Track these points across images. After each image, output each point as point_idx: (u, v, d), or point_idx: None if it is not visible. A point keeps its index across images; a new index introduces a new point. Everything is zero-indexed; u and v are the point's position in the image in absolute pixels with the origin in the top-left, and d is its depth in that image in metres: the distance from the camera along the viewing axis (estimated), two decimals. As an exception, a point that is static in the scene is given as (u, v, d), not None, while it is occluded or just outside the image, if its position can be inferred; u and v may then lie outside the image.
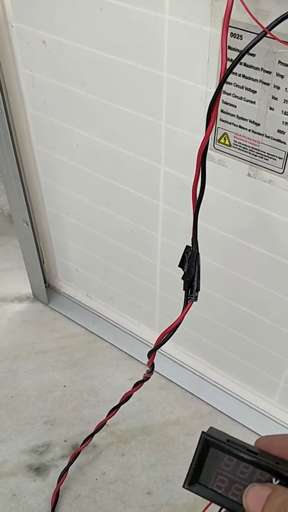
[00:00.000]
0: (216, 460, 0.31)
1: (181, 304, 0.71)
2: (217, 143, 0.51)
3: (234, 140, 0.50)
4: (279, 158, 0.48)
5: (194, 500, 0.65)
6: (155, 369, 0.57)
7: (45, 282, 0.89)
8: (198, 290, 0.49)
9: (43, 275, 0.87)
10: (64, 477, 0.64)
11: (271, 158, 0.48)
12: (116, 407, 0.63)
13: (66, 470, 0.64)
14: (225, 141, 0.51)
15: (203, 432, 0.31)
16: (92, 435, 0.64)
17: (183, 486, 0.31)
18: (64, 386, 0.77)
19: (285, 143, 0.47)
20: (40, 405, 0.74)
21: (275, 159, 0.48)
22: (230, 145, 0.50)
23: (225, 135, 0.50)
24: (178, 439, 0.72)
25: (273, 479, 0.29)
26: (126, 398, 0.62)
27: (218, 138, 0.51)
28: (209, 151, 0.52)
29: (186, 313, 0.48)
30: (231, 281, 0.61)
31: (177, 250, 0.64)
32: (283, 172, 0.49)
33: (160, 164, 0.57)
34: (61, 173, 0.69)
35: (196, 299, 0.48)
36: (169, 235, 0.64)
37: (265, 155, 0.49)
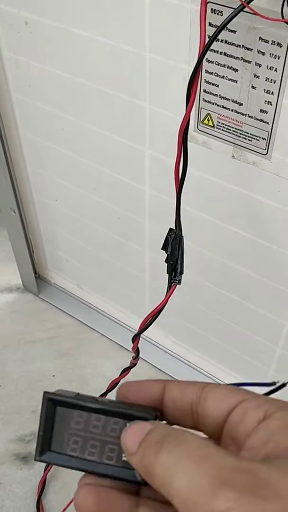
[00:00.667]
0: (66, 420, 0.27)
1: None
2: (201, 125, 0.50)
3: (217, 121, 0.49)
4: (262, 138, 0.47)
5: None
6: (146, 359, 0.56)
7: (35, 272, 0.88)
8: (181, 273, 0.48)
9: (33, 265, 0.86)
10: (51, 465, 0.64)
11: (254, 139, 0.48)
12: (103, 395, 0.62)
13: (53, 458, 0.64)
14: (208, 122, 0.50)
15: (45, 392, 0.27)
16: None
17: (35, 459, 0.27)
18: (53, 376, 0.77)
19: (267, 123, 0.46)
20: (28, 394, 0.73)
21: (258, 140, 0.48)
22: (213, 126, 0.50)
23: (208, 116, 0.50)
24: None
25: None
26: (113, 385, 0.61)
27: (201, 119, 0.50)
28: (193, 133, 0.51)
29: (169, 296, 0.48)
30: (216, 267, 0.61)
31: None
32: (266, 154, 0.48)
33: (144, 148, 0.56)
34: (47, 159, 0.68)
35: (179, 282, 0.48)
36: (157, 221, 0.63)
37: (248, 136, 0.48)
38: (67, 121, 0.61)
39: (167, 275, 0.48)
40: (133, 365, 0.58)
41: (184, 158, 0.44)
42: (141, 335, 0.52)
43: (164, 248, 0.47)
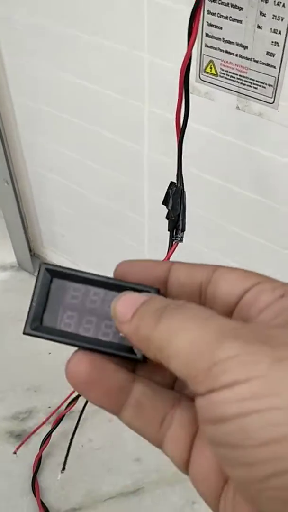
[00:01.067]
0: (62, 292, 0.25)
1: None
2: (203, 73, 0.47)
3: (221, 69, 0.46)
4: (269, 85, 0.44)
5: (185, 467, 0.62)
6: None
7: (30, 250, 0.85)
8: (183, 230, 0.45)
9: (28, 242, 0.83)
10: (46, 443, 0.61)
11: (260, 86, 0.45)
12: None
13: (48, 435, 0.61)
14: (211, 70, 0.47)
15: (42, 262, 0.25)
16: (77, 398, 0.61)
17: (23, 332, 0.25)
18: (50, 353, 0.74)
19: (274, 67, 0.43)
20: (24, 372, 0.70)
21: (264, 87, 0.45)
22: (216, 75, 0.47)
23: (211, 63, 0.47)
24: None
25: None
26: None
27: (203, 67, 0.47)
28: (194, 84, 0.48)
29: (171, 255, 0.45)
30: (218, 232, 0.58)
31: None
32: (273, 102, 0.45)
33: (144, 104, 0.53)
34: (41, 124, 0.65)
35: (181, 240, 0.45)
36: (156, 186, 0.60)
37: (254, 83, 0.45)
38: (62, 79, 0.58)
39: (168, 232, 0.45)
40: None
41: (186, 102, 0.41)
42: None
43: (165, 202, 0.45)
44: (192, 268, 0.24)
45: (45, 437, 0.61)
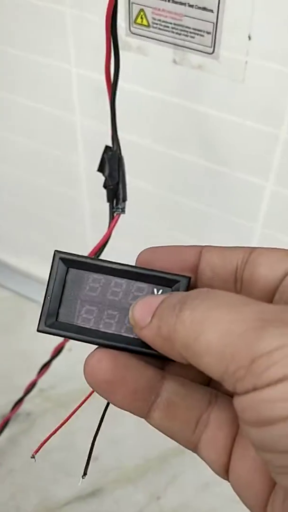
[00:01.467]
0: (79, 284, 0.22)
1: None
2: (134, 25, 0.42)
3: (152, 18, 0.41)
4: (207, 33, 0.40)
5: (145, 462, 0.57)
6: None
7: None
8: (124, 200, 0.40)
9: None
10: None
11: (198, 34, 0.40)
12: (47, 363, 0.54)
13: (-6, 443, 0.55)
14: (142, 21, 0.42)
15: (56, 250, 0.23)
16: (21, 399, 0.55)
17: (38, 330, 0.23)
18: (-8, 353, 0.68)
19: (212, 11, 0.39)
20: None
21: (202, 35, 0.40)
22: (148, 25, 0.42)
23: (141, 13, 0.42)
24: (123, 396, 0.64)
25: (156, 291, 0.22)
26: (58, 351, 0.53)
27: (133, 18, 0.42)
28: (125, 38, 0.43)
29: (113, 228, 0.40)
30: (163, 204, 0.53)
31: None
32: (213, 52, 0.41)
33: (70, 65, 0.48)
34: None
35: (123, 211, 0.40)
36: (94, 157, 0.55)
37: (190, 32, 0.41)
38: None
39: (108, 203, 0.40)
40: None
41: (116, 56, 0.36)
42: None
43: (101, 169, 0.40)
44: (226, 251, 0.22)
45: (-10, 444, 0.55)
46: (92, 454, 0.59)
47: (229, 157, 0.47)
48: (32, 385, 0.55)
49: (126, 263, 0.23)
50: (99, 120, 0.51)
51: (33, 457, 0.42)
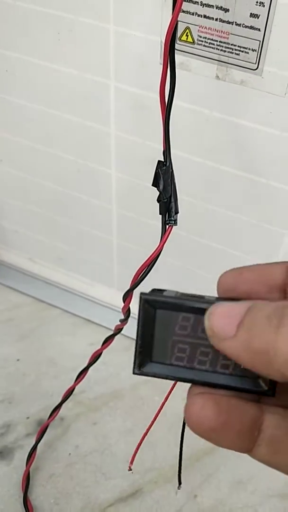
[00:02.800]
0: (168, 324, 0.23)
1: (143, 251, 0.64)
2: (178, 42, 0.44)
3: (198, 35, 0.43)
4: (252, 50, 0.42)
5: (180, 460, 0.59)
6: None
7: (-20, 251, 0.79)
8: (177, 212, 0.42)
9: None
10: (33, 457, 0.56)
11: (243, 51, 0.42)
12: (85, 370, 0.55)
13: (34, 449, 0.56)
14: (187, 38, 0.43)
15: (141, 293, 0.23)
16: (59, 405, 0.56)
17: (133, 372, 0.23)
18: (18, 360, 0.68)
19: (259, 29, 0.40)
20: (-8, 383, 0.65)
21: (247, 53, 0.42)
22: (193, 42, 0.43)
23: (187, 31, 0.43)
24: (152, 398, 0.65)
25: None
26: (95, 358, 0.55)
27: (179, 35, 0.43)
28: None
29: (166, 240, 0.42)
30: (198, 212, 0.55)
31: (135, 187, 0.57)
32: (257, 68, 0.42)
33: (109, 80, 0.49)
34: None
35: (175, 223, 0.42)
36: (125, 169, 0.56)
37: (235, 49, 0.42)
38: (12, 58, 0.52)
39: (160, 216, 0.41)
40: (118, 330, 0.52)
41: (172, 71, 0.37)
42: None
43: (155, 184, 0.41)
44: None
45: (30, 451, 0.56)
46: (128, 457, 0.61)
47: (264, 167, 0.48)
48: (70, 392, 0.56)
49: (212, 297, 0.23)
50: (134, 133, 0.52)
51: (130, 469, 0.43)
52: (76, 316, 0.75)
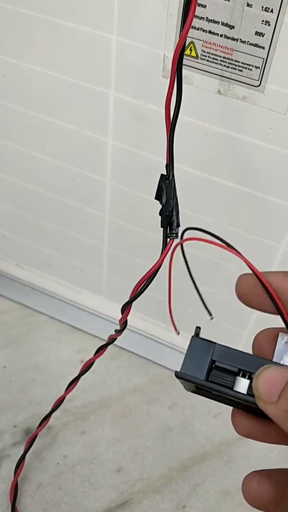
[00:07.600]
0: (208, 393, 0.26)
1: (133, 260, 0.65)
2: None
3: (202, 50, 0.43)
4: (256, 67, 0.42)
5: (169, 471, 0.59)
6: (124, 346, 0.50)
7: None
8: (178, 225, 0.42)
9: None
10: (21, 466, 0.55)
11: (246, 68, 0.42)
12: (76, 379, 0.55)
13: (22, 458, 0.56)
14: (191, 53, 0.44)
15: (176, 371, 0.26)
16: (49, 415, 0.56)
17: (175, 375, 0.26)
18: (4, 367, 0.68)
19: (263, 47, 0.41)
20: (-22, 391, 0.64)
21: (250, 69, 0.42)
22: (197, 57, 0.44)
23: (191, 45, 0.43)
24: (140, 407, 0.65)
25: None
26: (87, 367, 0.54)
27: (183, 49, 0.44)
28: (170, 67, 0.45)
29: (166, 253, 0.42)
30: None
31: (129, 196, 0.57)
32: (259, 85, 0.43)
33: (109, 90, 0.49)
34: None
35: (177, 236, 0.42)
36: (120, 179, 0.56)
37: (239, 66, 0.42)
38: (9, 64, 0.52)
39: (161, 229, 0.42)
40: (112, 340, 0.52)
41: (179, 86, 0.38)
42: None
43: (158, 197, 0.41)
44: None
45: (18, 460, 0.55)
46: (117, 467, 0.61)
47: (263, 181, 0.49)
48: (60, 401, 0.56)
49: (249, 370, 0.24)
50: (131, 143, 0.52)
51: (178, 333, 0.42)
52: (63, 323, 0.74)
